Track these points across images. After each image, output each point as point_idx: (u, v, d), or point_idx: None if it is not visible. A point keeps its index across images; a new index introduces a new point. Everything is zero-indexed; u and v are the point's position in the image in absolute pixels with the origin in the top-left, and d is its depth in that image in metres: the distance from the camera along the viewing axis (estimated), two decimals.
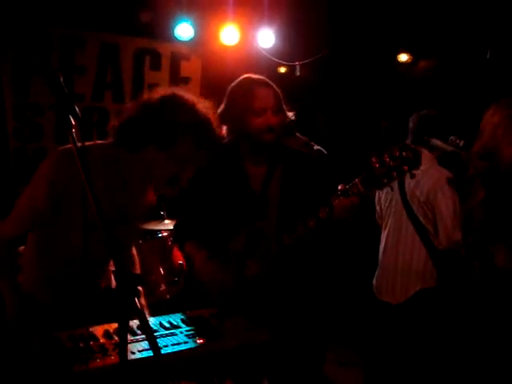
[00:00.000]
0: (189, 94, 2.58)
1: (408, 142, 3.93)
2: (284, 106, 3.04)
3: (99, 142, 2.63)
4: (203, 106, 2.56)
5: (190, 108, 2.49)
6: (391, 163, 2.56)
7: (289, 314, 3.03)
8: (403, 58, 6.65)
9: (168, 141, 2.45)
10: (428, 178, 3.80)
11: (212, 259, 3.00)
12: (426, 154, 3.75)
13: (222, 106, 3.05)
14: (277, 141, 3.02)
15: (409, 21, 5.78)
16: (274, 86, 3.03)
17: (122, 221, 2.53)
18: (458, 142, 3.55)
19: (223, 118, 2.97)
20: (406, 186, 3.87)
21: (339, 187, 2.73)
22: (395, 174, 2.57)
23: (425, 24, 5.73)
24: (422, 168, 3.75)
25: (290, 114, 3.09)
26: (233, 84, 3.09)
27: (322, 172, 3.23)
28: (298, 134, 4.63)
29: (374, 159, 2.60)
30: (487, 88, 5.39)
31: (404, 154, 2.54)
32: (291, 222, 2.89)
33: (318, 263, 3.30)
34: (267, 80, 3.05)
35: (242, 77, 3.08)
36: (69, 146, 2.20)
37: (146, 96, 2.55)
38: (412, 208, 3.85)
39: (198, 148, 2.51)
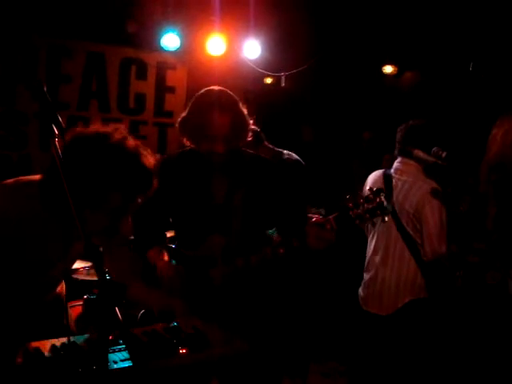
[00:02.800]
0: (120, 133, 2.26)
1: (395, 152, 3.96)
2: (245, 123, 2.92)
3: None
4: (116, 135, 2.24)
5: (118, 155, 2.18)
6: (365, 206, 2.59)
7: (258, 325, 3.00)
8: (388, 69, 6.71)
9: (99, 201, 2.18)
10: (416, 189, 3.80)
11: (175, 265, 3.02)
12: (413, 166, 3.77)
13: (184, 114, 2.96)
14: (234, 152, 2.95)
15: (394, 33, 5.84)
16: (235, 105, 2.89)
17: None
18: (440, 153, 3.57)
19: (183, 128, 2.94)
20: (394, 198, 3.87)
21: (314, 219, 2.74)
22: (368, 216, 2.60)
23: (410, 36, 5.79)
24: (409, 179, 3.81)
25: (253, 127, 2.99)
26: (197, 95, 2.95)
27: (288, 178, 3.24)
28: (266, 143, 4.69)
29: (349, 199, 2.63)
30: (470, 99, 5.46)
31: (378, 199, 2.58)
32: (257, 233, 2.94)
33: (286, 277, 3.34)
34: (228, 99, 2.89)
35: (206, 90, 2.94)
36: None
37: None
38: (401, 221, 3.85)
39: (133, 199, 2.28)
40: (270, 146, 4.74)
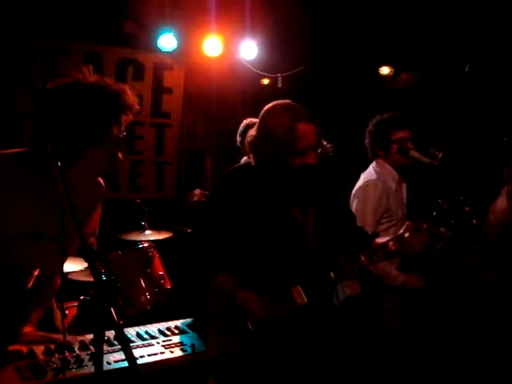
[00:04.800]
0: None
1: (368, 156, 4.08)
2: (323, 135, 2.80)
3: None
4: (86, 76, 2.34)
5: (103, 87, 2.32)
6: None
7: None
8: (385, 70, 6.72)
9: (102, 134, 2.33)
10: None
11: (253, 296, 2.70)
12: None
13: (254, 135, 2.80)
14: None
15: (391, 34, 5.84)
16: (312, 116, 2.75)
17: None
18: (437, 153, 3.58)
19: (256, 150, 2.77)
20: None
21: (408, 223, 2.79)
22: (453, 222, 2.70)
23: (406, 38, 5.79)
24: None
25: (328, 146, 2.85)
26: (271, 112, 2.76)
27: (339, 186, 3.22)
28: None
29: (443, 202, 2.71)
30: (466, 100, 5.47)
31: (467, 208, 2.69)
32: (330, 251, 2.84)
33: None
34: (304, 109, 2.74)
35: (280, 104, 2.76)
36: None
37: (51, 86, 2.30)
38: None
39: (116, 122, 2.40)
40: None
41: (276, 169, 2.75)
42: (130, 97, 2.41)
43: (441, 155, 3.51)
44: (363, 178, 3.97)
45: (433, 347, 3.85)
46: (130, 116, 2.45)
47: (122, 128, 2.41)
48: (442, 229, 2.71)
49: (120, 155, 2.45)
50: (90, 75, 2.34)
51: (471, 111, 5.51)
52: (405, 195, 3.99)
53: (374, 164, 4.03)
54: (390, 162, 3.93)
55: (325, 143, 2.81)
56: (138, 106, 2.46)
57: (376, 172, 3.94)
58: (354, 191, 3.96)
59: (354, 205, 3.85)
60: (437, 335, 3.89)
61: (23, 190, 2.25)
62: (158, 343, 2.37)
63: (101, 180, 2.69)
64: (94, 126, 2.27)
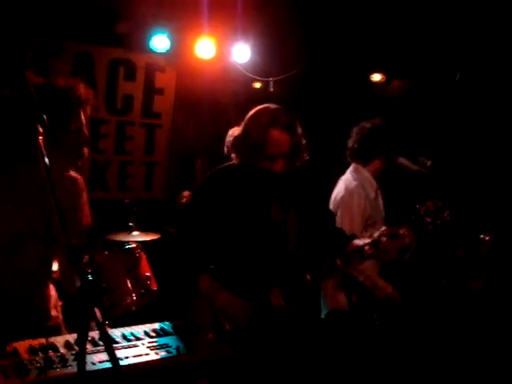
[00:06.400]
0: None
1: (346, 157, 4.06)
2: (303, 143, 2.86)
3: None
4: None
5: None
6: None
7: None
8: (377, 77, 6.74)
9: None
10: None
11: (234, 297, 2.78)
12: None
13: (238, 132, 2.89)
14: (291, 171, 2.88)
15: (383, 41, 5.87)
16: (294, 123, 2.81)
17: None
18: (426, 161, 3.61)
19: (237, 146, 2.86)
20: None
21: (385, 228, 2.79)
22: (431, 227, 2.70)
23: (398, 45, 5.82)
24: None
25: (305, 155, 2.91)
26: (253, 113, 2.85)
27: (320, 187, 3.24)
28: None
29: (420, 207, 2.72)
30: (456, 108, 5.50)
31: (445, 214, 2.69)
32: (309, 254, 2.88)
33: None
34: (288, 117, 2.80)
35: (263, 107, 2.83)
36: None
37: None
38: None
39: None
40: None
41: (251, 169, 2.83)
42: (82, 91, 2.50)
43: (429, 163, 3.54)
44: (343, 185, 3.93)
45: (419, 355, 3.86)
46: (88, 110, 2.53)
47: (82, 122, 2.50)
48: (416, 234, 2.72)
49: (85, 151, 2.54)
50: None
51: (461, 119, 5.54)
52: (382, 203, 3.99)
53: (351, 170, 4.01)
54: (368, 168, 3.93)
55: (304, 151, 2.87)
56: (92, 100, 2.57)
57: (355, 179, 3.92)
58: (335, 197, 3.92)
59: (338, 213, 3.81)
60: (423, 342, 3.91)
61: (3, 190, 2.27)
62: (143, 344, 2.37)
63: (76, 175, 2.73)
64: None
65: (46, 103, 2.21)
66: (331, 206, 3.89)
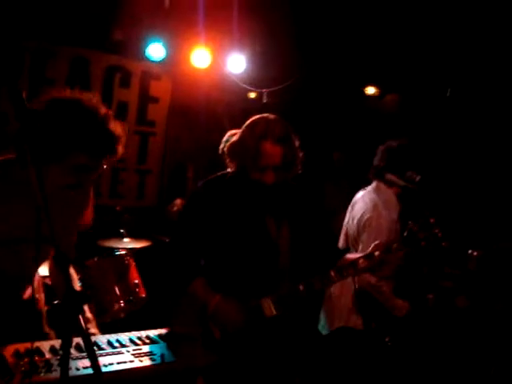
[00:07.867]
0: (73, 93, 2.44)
1: (370, 175, 3.98)
2: (296, 156, 2.84)
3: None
4: (89, 100, 2.39)
5: (77, 110, 2.33)
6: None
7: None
8: (370, 91, 6.79)
9: (61, 154, 2.28)
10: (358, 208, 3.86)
11: (228, 300, 2.78)
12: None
13: (235, 139, 2.89)
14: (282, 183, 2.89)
15: (377, 56, 5.92)
16: (289, 136, 2.81)
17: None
18: (414, 177, 3.62)
19: (232, 153, 2.87)
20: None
21: (378, 242, 2.82)
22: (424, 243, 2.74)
23: (392, 60, 5.88)
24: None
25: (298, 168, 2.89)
26: (249, 123, 2.85)
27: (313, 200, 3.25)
28: None
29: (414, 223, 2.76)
30: (446, 123, 5.55)
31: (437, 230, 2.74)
32: (302, 266, 2.90)
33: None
34: (283, 129, 2.79)
35: (260, 117, 2.83)
36: None
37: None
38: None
39: (96, 160, 2.36)
40: None
41: (243, 180, 2.85)
42: (114, 146, 2.38)
43: (418, 178, 3.55)
44: (371, 204, 3.81)
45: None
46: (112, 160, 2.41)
47: (97, 163, 2.37)
48: (409, 250, 2.76)
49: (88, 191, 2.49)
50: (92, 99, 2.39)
51: (451, 135, 5.60)
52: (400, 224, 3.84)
53: (374, 187, 3.90)
54: (392, 189, 3.84)
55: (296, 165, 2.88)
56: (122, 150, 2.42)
57: (380, 198, 3.82)
58: (361, 216, 3.79)
59: (364, 233, 3.71)
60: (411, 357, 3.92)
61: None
62: (128, 352, 2.38)
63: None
64: (58, 142, 2.25)
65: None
66: (354, 223, 3.83)
